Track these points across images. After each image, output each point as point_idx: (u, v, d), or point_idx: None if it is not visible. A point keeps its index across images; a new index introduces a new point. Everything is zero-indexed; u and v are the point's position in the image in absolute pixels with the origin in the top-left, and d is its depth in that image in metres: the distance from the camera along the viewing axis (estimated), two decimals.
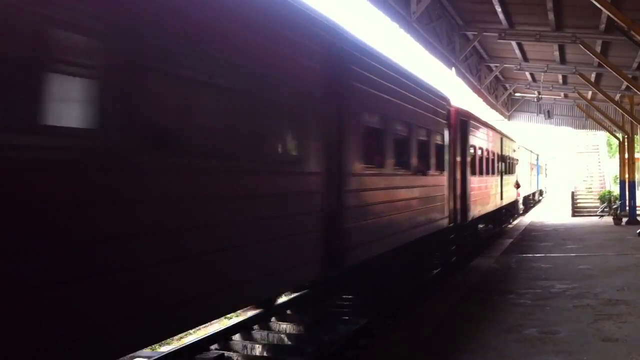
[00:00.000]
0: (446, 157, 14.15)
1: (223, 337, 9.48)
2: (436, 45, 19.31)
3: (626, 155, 30.84)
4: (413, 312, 10.63)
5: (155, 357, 8.01)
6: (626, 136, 30.97)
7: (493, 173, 21.81)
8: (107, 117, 4.11)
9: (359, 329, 10.19)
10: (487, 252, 18.31)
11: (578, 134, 44.92)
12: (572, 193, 38.29)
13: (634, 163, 31.78)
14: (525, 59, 24.76)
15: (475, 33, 21.25)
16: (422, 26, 17.64)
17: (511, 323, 9.26)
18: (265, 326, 10.57)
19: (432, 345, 8.24)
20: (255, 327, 10.38)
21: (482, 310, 10.32)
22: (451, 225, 14.99)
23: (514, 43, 22.14)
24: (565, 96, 33.86)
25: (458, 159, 15.96)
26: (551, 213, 37.96)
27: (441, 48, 19.80)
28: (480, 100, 30.36)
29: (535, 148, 47.57)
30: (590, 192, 39.84)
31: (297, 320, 11.06)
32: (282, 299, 11.88)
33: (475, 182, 17.96)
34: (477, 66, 26.26)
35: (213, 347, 9.20)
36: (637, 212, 29.10)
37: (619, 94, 28.24)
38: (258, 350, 9.35)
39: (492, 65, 27.37)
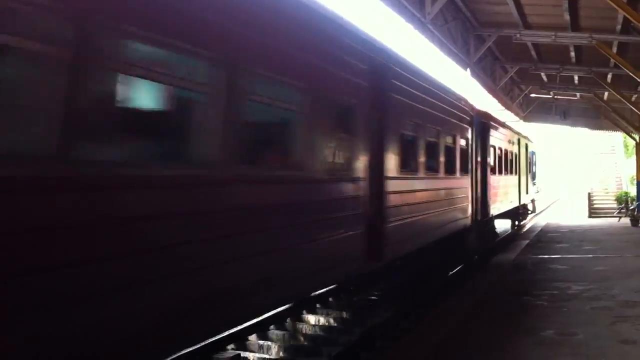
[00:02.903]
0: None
1: (239, 337, 9.48)
2: (451, 47, 19.24)
3: None
4: (428, 314, 10.61)
5: (173, 357, 8.03)
6: None
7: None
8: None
9: (372, 328, 10.20)
10: (503, 253, 18.26)
11: (594, 135, 44.60)
12: (589, 194, 38.04)
13: None
14: (541, 59, 24.61)
15: (491, 34, 21.15)
16: (436, 27, 17.57)
17: (528, 325, 9.22)
18: (281, 326, 10.59)
19: (448, 348, 8.22)
20: (272, 327, 10.39)
21: (498, 313, 10.30)
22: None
23: (529, 44, 22.01)
24: (581, 97, 33.60)
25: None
26: (568, 214, 37.71)
27: (456, 49, 19.72)
28: (495, 101, 30.24)
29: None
30: (607, 193, 39.54)
31: (312, 320, 11.15)
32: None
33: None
34: (492, 67, 26.13)
35: (230, 347, 9.22)
36: None
37: (636, 95, 28.01)
38: (274, 350, 9.36)
39: (507, 66, 27.23)
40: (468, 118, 15.61)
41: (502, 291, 12.12)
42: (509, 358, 7.62)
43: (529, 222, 32.35)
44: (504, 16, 19.02)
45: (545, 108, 37.18)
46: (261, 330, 10.07)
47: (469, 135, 15.51)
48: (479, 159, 17.08)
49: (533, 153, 31.78)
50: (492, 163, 18.83)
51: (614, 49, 19.91)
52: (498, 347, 8.06)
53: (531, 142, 31.08)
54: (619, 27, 17.54)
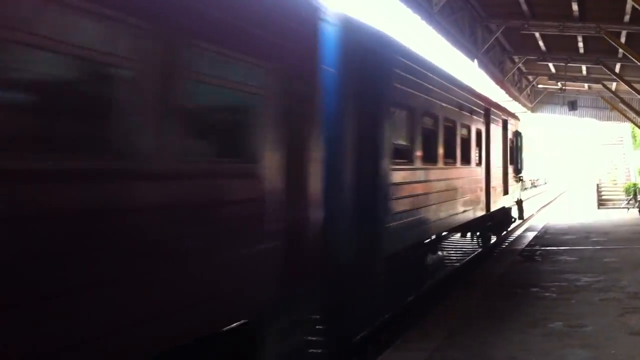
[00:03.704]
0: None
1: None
2: (458, 38, 19.18)
3: None
4: (435, 305, 10.59)
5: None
6: None
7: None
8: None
9: (385, 321, 10.19)
10: (510, 245, 18.20)
11: (601, 125, 44.40)
12: (597, 185, 37.92)
13: None
14: (549, 50, 24.50)
15: (498, 24, 21.06)
16: (444, 18, 17.53)
17: (536, 317, 9.18)
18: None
19: (456, 340, 8.19)
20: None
21: (506, 304, 10.25)
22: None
23: (537, 34, 21.92)
24: (589, 88, 33.48)
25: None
26: (575, 209, 37.43)
27: (463, 40, 19.66)
28: (503, 92, 30.14)
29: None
30: (615, 184, 39.39)
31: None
32: None
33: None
34: (500, 58, 26.03)
35: None
36: None
37: None
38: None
39: (514, 57, 27.12)
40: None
41: (509, 283, 12.07)
42: (517, 349, 7.57)
43: (519, 229, 24.86)
44: (511, 7, 18.94)
45: (554, 99, 37.04)
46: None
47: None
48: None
49: (518, 135, 21.39)
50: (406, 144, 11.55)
51: (623, 39, 19.80)
52: (506, 338, 8.04)
53: (515, 119, 21.52)
54: (627, 17, 17.43)
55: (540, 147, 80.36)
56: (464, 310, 9.83)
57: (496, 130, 17.69)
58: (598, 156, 43.77)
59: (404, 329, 9.29)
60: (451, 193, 13.00)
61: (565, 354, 7.37)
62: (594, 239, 19.11)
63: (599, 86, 30.40)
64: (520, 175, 22.24)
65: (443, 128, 12.24)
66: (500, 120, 18.53)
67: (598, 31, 18.87)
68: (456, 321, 9.07)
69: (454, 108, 13.33)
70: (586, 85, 32.55)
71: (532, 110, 37.77)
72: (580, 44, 22.27)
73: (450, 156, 12.84)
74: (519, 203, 22.79)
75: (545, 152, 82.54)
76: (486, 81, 26.57)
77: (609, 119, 38.16)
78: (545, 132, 75.91)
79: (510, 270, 13.73)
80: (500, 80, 26.72)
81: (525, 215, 25.60)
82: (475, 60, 22.09)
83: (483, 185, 16.07)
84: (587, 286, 11.49)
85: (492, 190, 16.69)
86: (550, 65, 27.88)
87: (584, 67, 27.44)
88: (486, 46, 21.95)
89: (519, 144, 21.87)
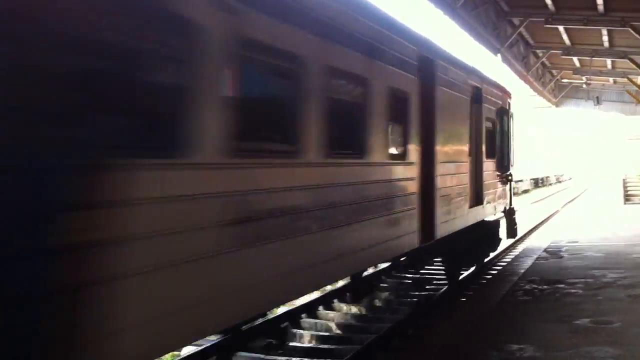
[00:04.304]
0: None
1: (272, 325, 9.49)
2: (481, 32, 19.06)
3: None
4: (461, 300, 10.55)
5: (207, 345, 8.09)
6: None
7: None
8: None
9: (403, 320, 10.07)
10: (535, 240, 18.07)
11: (627, 120, 43.84)
12: (623, 180, 37.50)
13: None
14: (573, 44, 24.24)
15: (521, 19, 20.88)
16: (466, 12, 17.43)
17: (562, 313, 9.12)
18: (313, 315, 10.60)
19: (480, 335, 8.16)
20: (304, 315, 10.41)
21: (531, 300, 10.19)
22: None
23: (561, 28, 21.66)
24: (615, 82, 33.06)
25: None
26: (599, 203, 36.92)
27: (486, 34, 19.53)
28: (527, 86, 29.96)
29: None
30: None
31: (345, 309, 11.12)
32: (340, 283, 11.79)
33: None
34: (524, 52, 25.81)
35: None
36: None
37: None
38: (307, 339, 9.38)
39: (538, 51, 26.87)
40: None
41: (534, 279, 11.93)
42: (543, 345, 7.50)
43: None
44: (534, 0, 18.76)
45: (578, 93, 36.67)
46: (293, 319, 10.07)
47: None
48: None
49: (504, 115, 15.02)
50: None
51: None
52: (532, 334, 7.98)
53: (501, 91, 15.18)
54: None
55: (563, 142, 79.71)
56: (487, 305, 9.77)
57: (454, 102, 11.24)
58: (624, 151, 43.27)
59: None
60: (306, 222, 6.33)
61: None
62: (621, 235, 18.78)
63: (625, 80, 30.02)
64: (508, 173, 15.09)
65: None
66: (466, 87, 11.97)
67: (623, 24, 18.62)
68: (479, 318, 9.02)
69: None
70: (611, 79, 32.14)
71: (557, 104, 37.44)
72: (605, 38, 21.99)
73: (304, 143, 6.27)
74: (509, 214, 15.67)
75: (569, 147, 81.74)
76: (510, 75, 26.45)
77: (635, 113, 37.65)
78: (570, 129, 75.17)
79: (534, 267, 13.55)
80: (524, 74, 26.52)
81: (552, 210, 24.16)
82: (499, 55, 21.93)
83: (416, 195, 9.33)
84: (613, 282, 11.33)
85: (439, 201, 10.07)
86: (575, 59, 27.58)
87: (608, 61, 27.08)
88: (509, 40, 21.77)
89: (507, 129, 15.17)
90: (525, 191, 53.30)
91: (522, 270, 13.08)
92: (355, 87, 7.52)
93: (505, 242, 16.50)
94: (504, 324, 8.69)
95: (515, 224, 15.85)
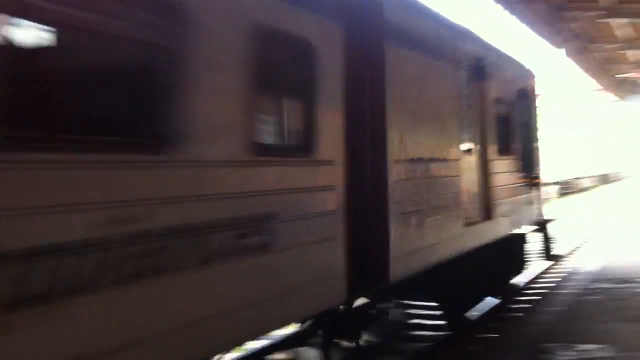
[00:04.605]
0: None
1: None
2: (541, 27, 19.56)
3: None
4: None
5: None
6: None
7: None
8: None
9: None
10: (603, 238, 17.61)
11: None
12: None
13: None
14: (637, 37, 24.44)
15: (580, 14, 21.25)
16: (526, 6, 18.00)
17: (635, 313, 8.92)
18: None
19: (557, 332, 8.20)
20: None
21: (603, 300, 9.96)
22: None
23: (622, 21, 21.96)
24: None
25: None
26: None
27: (546, 30, 19.97)
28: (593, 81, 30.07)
29: None
30: None
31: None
32: None
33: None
34: (586, 46, 26.09)
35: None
36: None
37: None
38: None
39: (599, 45, 27.02)
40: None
41: (603, 279, 11.67)
42: (618, 344, 7.40)
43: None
44: None
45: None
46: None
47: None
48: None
49: (525, 99, 11.65)
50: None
51: None
52: (606, 333, 7.95)
53: (519, 68, 11.74)
54: None
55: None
56: (562, 303, 9.82)
57: (428, 71, 7.59)
58: None
59: None
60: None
61: None
62: None
63: None
64: (535, 175, 11.94)
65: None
66: (454, 54, 8.39)
67: None
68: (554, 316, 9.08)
69: None
70: None
71: (622, 98, 37.26)
72: None
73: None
74: (542, 226, 12.48)
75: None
76: (575, 70, 26.65)
77: None
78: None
79: (603, 266, 12.97)
80: (587, 69, 26.65)
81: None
82: (563, 49, 22.33)
83: (339, 214, 5.68)
84: None
85: (397, 222, 6.54)
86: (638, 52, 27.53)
87: None
88: (569, 35, 22.08)
89: (530, 118, 12.08)
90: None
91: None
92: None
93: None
94: None
95: (549, 240, 12.67)
